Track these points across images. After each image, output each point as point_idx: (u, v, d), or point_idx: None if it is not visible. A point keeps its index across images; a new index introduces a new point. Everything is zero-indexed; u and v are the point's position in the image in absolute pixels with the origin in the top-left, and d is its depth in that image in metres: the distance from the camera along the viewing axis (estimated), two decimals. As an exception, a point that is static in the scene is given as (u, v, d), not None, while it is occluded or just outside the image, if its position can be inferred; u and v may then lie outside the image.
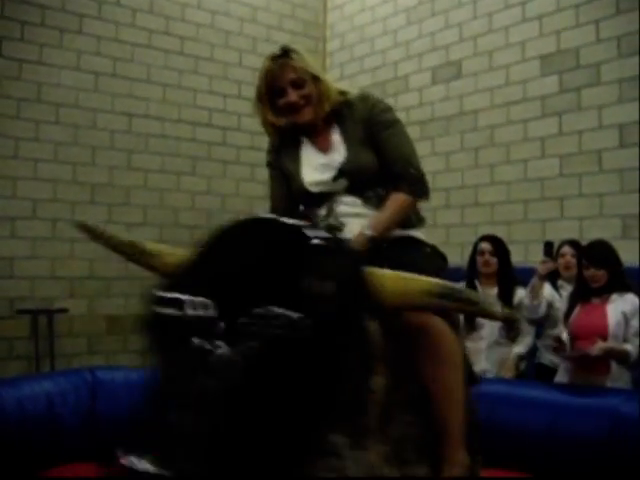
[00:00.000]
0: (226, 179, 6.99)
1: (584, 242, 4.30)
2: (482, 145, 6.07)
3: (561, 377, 3.91)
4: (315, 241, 1.49)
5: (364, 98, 2.27)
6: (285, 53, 2.18)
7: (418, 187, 2.20)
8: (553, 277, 4.30)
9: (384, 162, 2.18)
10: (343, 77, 7.53)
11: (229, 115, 7.00)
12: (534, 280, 4.05)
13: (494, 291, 4.17)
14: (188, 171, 6.77)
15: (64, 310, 5.96)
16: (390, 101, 6.91)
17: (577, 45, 5.42)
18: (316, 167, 2.22)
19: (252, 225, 1.60)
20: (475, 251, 4.36)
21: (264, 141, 2.43)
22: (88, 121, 6.20)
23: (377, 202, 2.15)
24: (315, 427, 1.49)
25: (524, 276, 4.36)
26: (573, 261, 4.27)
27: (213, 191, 6.91)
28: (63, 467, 3.22)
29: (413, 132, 6.64)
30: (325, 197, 2.19)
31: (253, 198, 7.03)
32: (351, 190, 2.17)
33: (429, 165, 6.47)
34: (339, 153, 2.19)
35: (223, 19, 7.09)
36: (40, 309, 5.84)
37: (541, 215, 5.55)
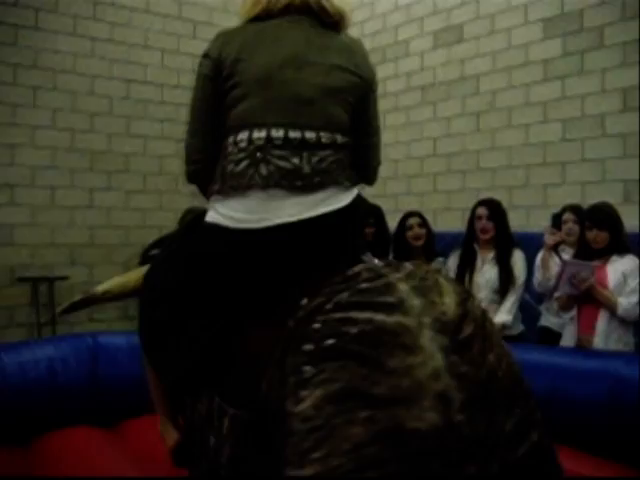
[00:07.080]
0: (226, 146, 6.92)
1: (586, 207, 4.29)
2: (484, 110, 6.02)
3: (566, 342, 3.90)
4: None
5: None
6: None
7: None
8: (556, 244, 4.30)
9: None
10: (343, 42, 7.43)
11: (228, 81, 6.91)
12: (542, 252, 4.08)
13: (492, 254, 4.15)
14: (187, 138, 6.70)
15: (65, 278, 5.97)
16: (390, 66, 6.92)
17: (580, 7, 5.34)
18: None
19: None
20: (473, 216, 4.33)
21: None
22: (86, 87, 6.14)
23: None
24: None
25: (525, 242, 4.35)
26: (575, 228, 4.25)
27: (213, 158, 6.85)
28: (63, 430, 3.24)
29: (414, 97, 6.66)
30: None
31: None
32: None
33: (430, 130, 6.44)
34: None
35: (221, -17, 6.99)
36: (41, 277, 5.85)
37: (543, 180, 5.51)
